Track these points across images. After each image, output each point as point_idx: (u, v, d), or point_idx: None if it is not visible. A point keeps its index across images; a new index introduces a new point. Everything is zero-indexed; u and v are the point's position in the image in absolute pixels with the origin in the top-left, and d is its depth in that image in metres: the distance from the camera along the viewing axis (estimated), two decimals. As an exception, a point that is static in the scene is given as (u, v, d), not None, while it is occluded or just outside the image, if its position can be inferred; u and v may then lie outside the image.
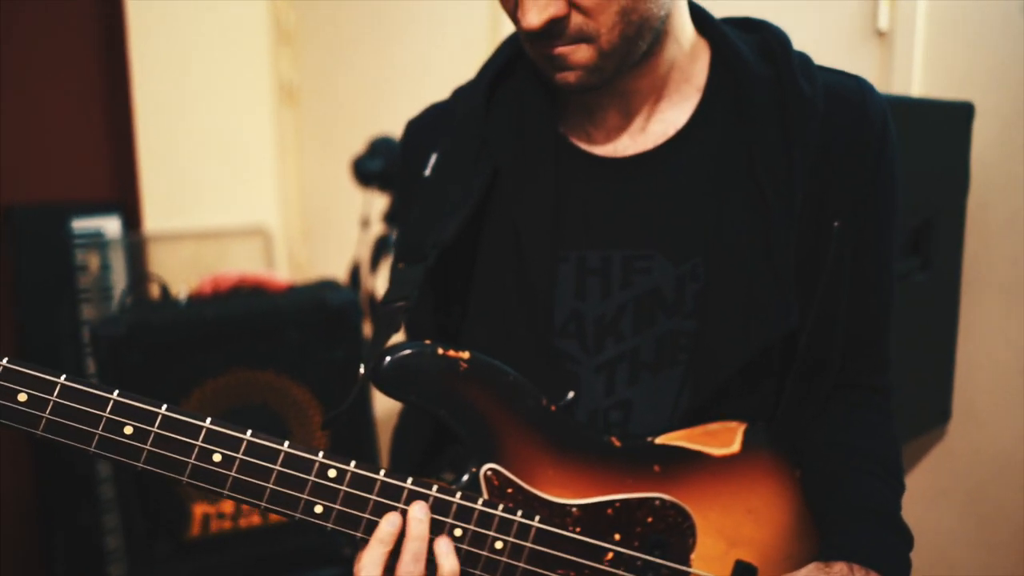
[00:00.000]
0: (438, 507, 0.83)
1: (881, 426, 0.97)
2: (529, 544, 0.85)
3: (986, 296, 1.59)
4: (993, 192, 1.56)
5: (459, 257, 0.95)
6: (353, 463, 0.82)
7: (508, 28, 1.19)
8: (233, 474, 0.79)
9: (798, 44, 1.78)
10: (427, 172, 0.98)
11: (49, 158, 2.50)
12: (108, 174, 2.65)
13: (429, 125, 1.04)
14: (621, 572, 0.86)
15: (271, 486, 0.80)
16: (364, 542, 0.82)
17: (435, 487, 0.84)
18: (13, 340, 2.35)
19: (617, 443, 0.90)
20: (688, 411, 0.90)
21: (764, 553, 0.88)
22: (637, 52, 0.86)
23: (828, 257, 0.88)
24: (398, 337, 0.90)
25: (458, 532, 0.84)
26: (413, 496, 0.83)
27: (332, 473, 0.81)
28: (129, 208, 2.65)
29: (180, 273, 2.70)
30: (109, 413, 0.77)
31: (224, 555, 1.85)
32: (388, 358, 0.85)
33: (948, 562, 1.67)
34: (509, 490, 0.86)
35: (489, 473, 0.86)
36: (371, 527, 0.81)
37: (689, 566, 0.87)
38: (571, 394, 0.92)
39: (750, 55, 0.92)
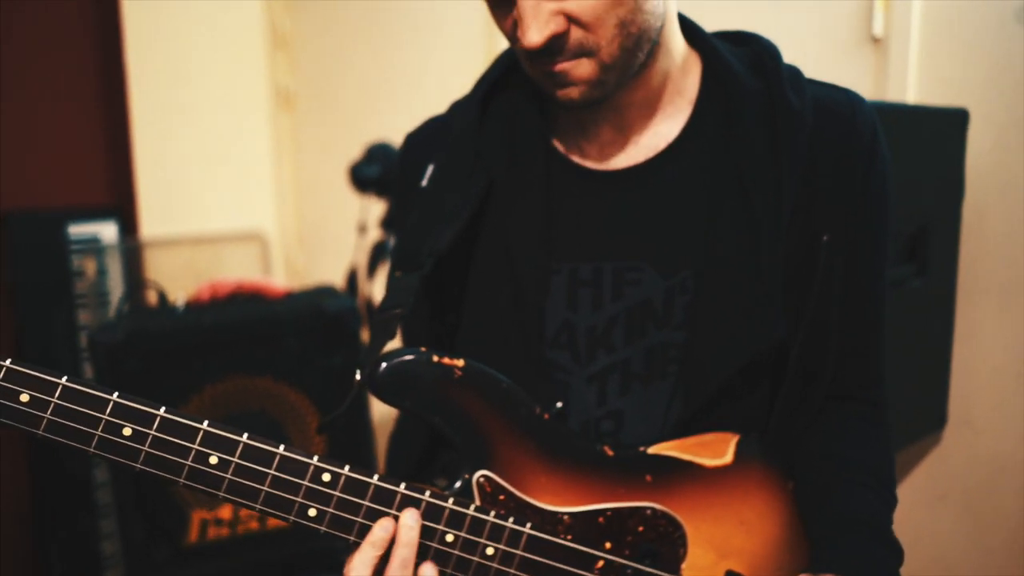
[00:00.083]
0: (430, 512, 0.84)
1: (874, 438, 0.97)
2: (520, 551, 0.85)
3: (982, 302, 1.60)
4: (988, 198, 1.57)
5: (454, 266, 0.96)
6: (347, 467, 0.83)
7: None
8: (229, 476, 0.80)
9: (794, 50, 1.79)
10: (424, 183, 0.99)
11: (46, 164, 2.50)
12: (104, 180, 2.65)
13: (427, 138, 1.05)
14: None
15: (266, 489, 0.81)
16: (357, 546, 0.83)
17: (428, 492, 0.84)
18: (10, 345, 2.35)
19: (609, 452, 0.90)
20: (679, 422, 0.91)
21: (754, 564, 0.89)
22: (636, 63, 0.86)
23: (818, 270, 0.89)
24: (394, 344, 0.90)
25: (450, 537, 0.84)
26: (406, 501, 0.83)
27: (326, 477, 0.82)
28: (125, 213, 2.65)
29: (177, 278, 2.69)
30: (108, 415, 0.78)
31: (222, 561, 1.85)
32: (383, 364, 0.85)
33: (945, 565, 1.68)
34: (501, 497, 0.86)
35: (481, 480, 0.86)
36: (364, 531, 0.82)
37: None
38: (559, 404, 0.92)
39: (740, 68, 0.92)
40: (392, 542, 0.82)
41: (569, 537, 0.87)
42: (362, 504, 0.82)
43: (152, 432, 0.79)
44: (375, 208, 2.30)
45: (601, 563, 0.87)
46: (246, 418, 1.83)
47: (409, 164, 1.04)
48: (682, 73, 0.94)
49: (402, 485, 0.84)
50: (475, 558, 0.85)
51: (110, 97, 2.63)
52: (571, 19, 0.81)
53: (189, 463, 0.79)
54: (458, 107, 1.03)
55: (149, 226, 2.71)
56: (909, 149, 1.40)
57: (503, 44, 0.94)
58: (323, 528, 0.82)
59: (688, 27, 0.96)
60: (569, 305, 0.93)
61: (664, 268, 0.91)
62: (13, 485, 2.37)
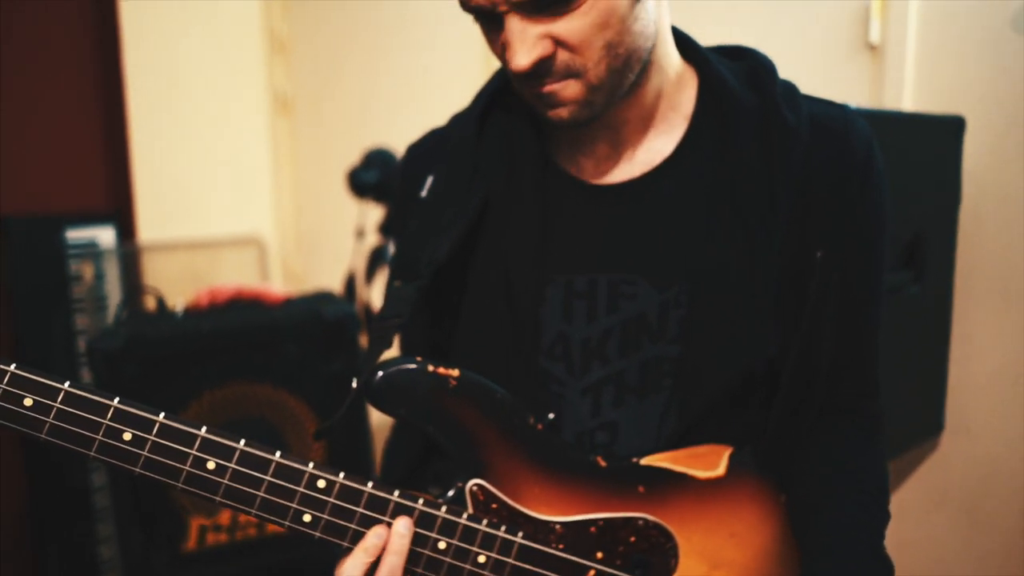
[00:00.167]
0: (423, 520, 0.85)
1: (868, 452, 0.98)
2: (511, 560, 0.86)
3: (978, 308, 1.61)
4: (984, 205, 1.58)
5: (452, 277, 0.97)
6: (342, 475, 0.84)
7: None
8: (226, 482, 0.81)
9: (791, 57, 1.80)
10: (423, 193, 1.00)
11: (44, 169, 2.50)
12: (102, 184, 2.66)
13: (427, 150, 1.06)
14: None
15: (262, 495, 0.82)
16: (350, 551, 0.83)
17: (421, 500, 0.85)
18: (8, 349, 2.35)
19: (602, 463, 0.91)
20: (674, 434, 0.91)
21: None
22: (626, 84, 0.87)
23: (812, 286, 0.90)
24: (391, 353, 0.91)
25: (442, 545, 0.85)
26: (399, 509, 0.84)
27: (321, 484, 0.83)
28: (123, 218, 2.66)
29: (175, 283, 2.70)
30: (109, 420, 0.79)
31: (220, 568, 1.84)
32: (379, 373, 0.86)
33: (943, 569, 1.69)
34: (494, 505, 0.87)
35: (475, 488, 0.87)
36: (357, 537, 0.83)
37: None
38: (551, 415, 0.93)
39: (736, 83, 0.93)
40: (384, 549, 0.83)
41: (561, 546, 0.87)
42: (356, 511, 0.83)
43: (151, 437, 0.80)
44: (373, 213, 2.30)
45: (592, 573, 0.87)
46: (245, 424, 1.82)
47: (409, 175, 1.04)
48: (677, 89, 0.94)
49: (396, 493, 0.85)
50: (467, 566, 0.86)
51: (108, 102, 2.63)
52: (558, 42, 0.82)
53: (187, 468, 0.81)
54: (458, 120, 1.04)
55: (147, 231, 2.72)
56: (906, 156, 1.40)
57: (502, 49, 0.94)
58: (317, 534, 0.83)
59: (683, 41, 0.96)
60: (564, 317, 0.94)
61: (659, 282, 0.92)
62: (10, 489, 2.37)
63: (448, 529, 0.85)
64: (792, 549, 0.92)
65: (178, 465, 0.80)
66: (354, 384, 0.88)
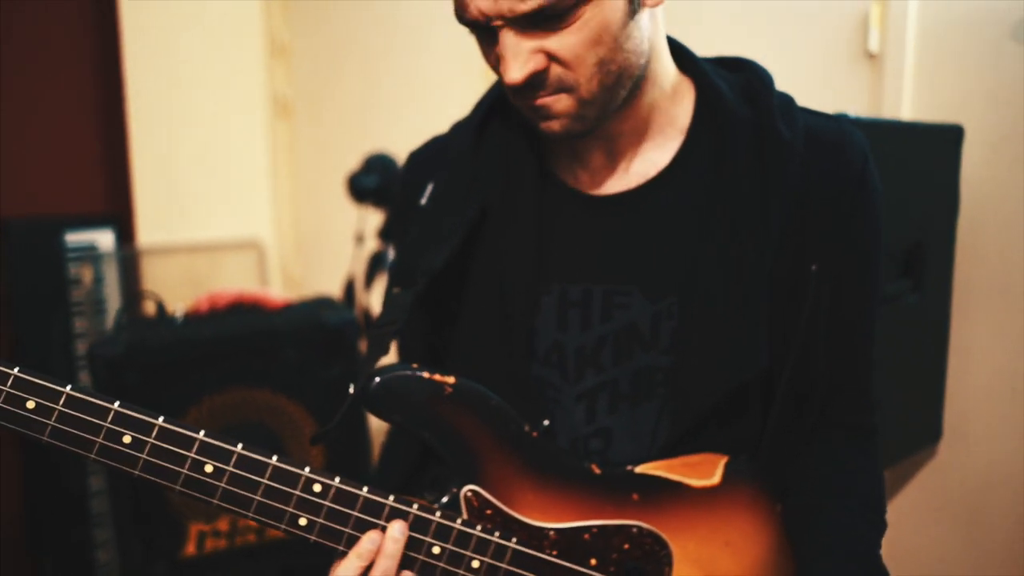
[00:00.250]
0: (418, 525, 0.86)
1: (864, 464, 0.98)
2: (505, 565, 0.87)
3: (977, 316, 1.61)
4: (983, 214, 1.58)
5: (450, 284, 0.98)
6: (337, 479, 0.85)
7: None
8: (223, 485, 0.82)
9: (790, 65, 1.81)
10: (423, 201, 1.01)
11: (43, 171, 2.50)
12: (102, 187, 2.66)
13: (428, 157, 1.07)
14: None
15: (258, 498, 0.83)
16: (345, 555, 0.84)
17: (415, 505, 0.86)
18: (7, 352, 2.35)
19: (597, 470, 0.92)
20: (667, 443, 0.92)
21: None
22: (618, 99, 0.88)
23: (806, 299, 0.90)
24: (388, 359, 0.92)
25: (436, 550, 0.86)
26: (394, 513, 0.85)
27: (317, 488, 0.84)
28: (123, 221, 2.66)
29: (173, 287, 2.70)
30: (109, 423, 0.80)
31: (219, 574, 1.85)
32: (376, 379, 0.87)
33: (940, 577, 1.70)
34: (488, 511, 0.88)
35: (469, 494, 0.88)
36: (352, 541, 0.84)
37: None
38: (546, 422, 0.94)
39: (731, 96, 0.94)
40: (378, 553, 0.84)
41: (554, 553, 0.88)
42: (351, 515, 0.84)
43: (151, 440, 0.81)
44: (373, 218, 2.30)
45: None
46: (245, 430, 1.83)
47: (410, 182, 1.06)
48: (672, 102, 0.95)
49: (391, 497, 0.85)
50: (461, 571, 0.87)
51: (108, 105, 2.63)
52: (551, 57, 0.83)
53: (185, 471, 0.82)
54: (458, 129, 1.05)
55: (146, 234, 2.72)
56: (904, 165, 1.41)
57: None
58: (313, 537, 0.84)
59: (680, 53, 0.97)
60: (559, 325, 0.95)
61: (651, 293, 0.93)
62: (8, 493, 2.37)
63: (442, 534, 0.86)
64: (787, 558, 0.93)
65: (176, 468, 0.82)
66: (351, 390, 0.89)
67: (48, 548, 2.39)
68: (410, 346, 1.08)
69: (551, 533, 0.88)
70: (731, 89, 0.94)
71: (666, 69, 0.94)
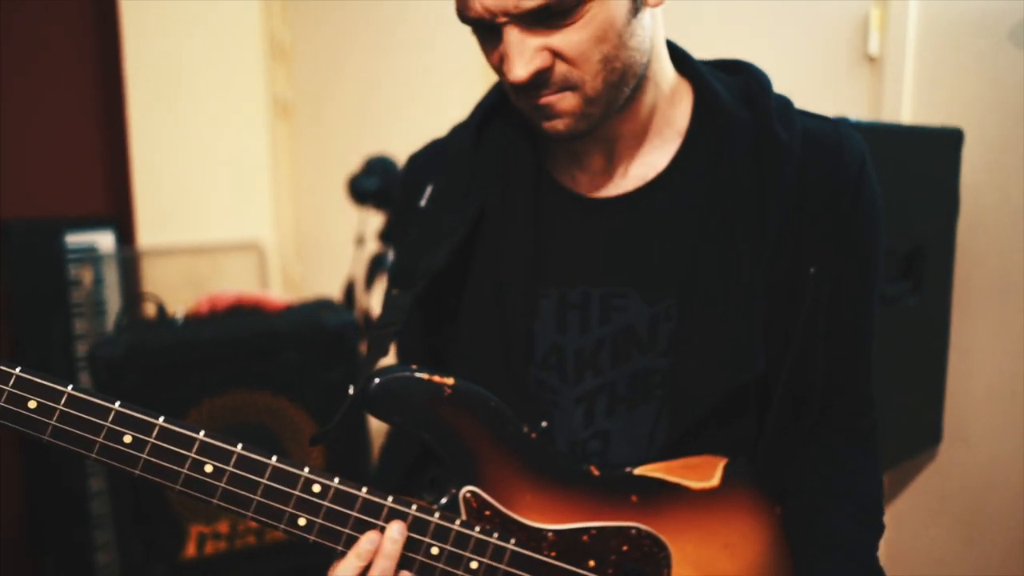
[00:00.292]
0: (416, 526, 0.86)
1: (863, 465, 0.98)
2: (503, 566, 0.87)
3: (976, 319, 1.61)
4: (983, 217, 1.59)
5: (450, 285, 0.98)
6: (336, 479, 0.85)
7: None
8: (223, 485, 0.83)
9: (790, 69, 1.81)
10: (422, 203, 1.01)
11: (43, 173, 2.50)
12: (102, 189, 2.66)
13: (428, 160, 1.07)
14: None
15: (258, 498, 0.83)
16: (344, 555, 0.84)
17: (414, 506, 0.86)
18: (7, 353, 2.35)
19: (596, 472, 0.92)
20: (665, 445, 0.92)
21: None
22: (622, 98, 0.88)
23: (805, 301, 0.90)
24: (388, 360, 0.92)
25: (435, 551, 0.86)
26: (393, 514, 0.85)
27: (316, 488, 0.84)
28: (123, 223, 2.66)
29: (174, 288, 2.70)
30: (110, 423, 0.81)
31: None
32: (376, 380, 0.87)
33: (940, 579, 1.70)
34: (487, 512, 0.88)
35: (468, 495, 0.88)
36: (351, 541, 0.84)
37: None
38: (544, 424, 0.94)
39: (729, 98, 0.94)
40: (376, 553, 0.84)
41: (553, 554, 0.88)
42: (350, 515, 0.84)
43: (151, 440, 0.81)
44: (373, 220, 2.30)
45: None
46: (245, 432, 1.83)
47: (410, 184, 1.06)
48: (671, 104, 0.95)
49: (390, 498, 0.86)
50: (459, 571, 0.87)
51: (108, 106, 2.63)
52: (556, 54, 0.82)
53: (185, 471, 0.82)
54: (456, 131, 1.05)
55: (146, 236, 2.72)
56: (904, 169, 1.41)
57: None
58: (312, 537, 0.84)
59: (679, 56, 0.97)
60: (558, 328, 0.95)
61: (649, 295, 0.93)
62: (9, 494, 2.37)
63: (441, 535, 0.86)
64: (786, 560, 0.93)
65: (176, 468, 0.82)
66: (351, 391, 0.89)
67: (49, 549, 2.39)
68: (409, 347, 1.08)
69: (549, 534, 0.88)
70: (729, 91, 0.94)
71: (665, 71, 0.94)
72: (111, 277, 2.55)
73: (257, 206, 3.08)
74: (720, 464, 0.93)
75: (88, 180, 2.63)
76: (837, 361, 0.95)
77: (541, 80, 0.83)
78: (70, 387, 0.80)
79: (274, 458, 0.84)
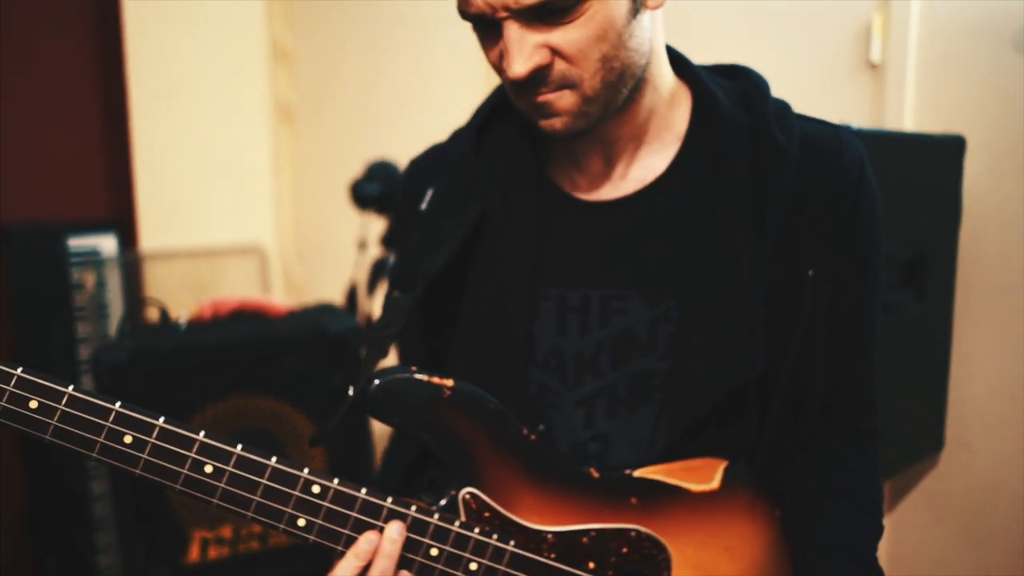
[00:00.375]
0: (416, 527, 0.86)
1: (863, 465, 0.99)
2: (503, 567, 0.87)
3: (979, 326, 1.61)
4: (985, 225, 1.59)
5: (450, 288, 0.99)
6: (336, 480, 0.85)
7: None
8: (222, 485, 0.83)
9: (792, 75, 1.81)
10: (423, 206, 1.01)
11: (46, 177, 2.51)
12: (104, 193, 2.66)
13: (428, 164, 1.08)
14: None
15: (257, 499, 0.84)
16: (343, 555, 0.85)
17: (414, 507, 0.87)
18: (9, 356, 2.35)
19: (595, 474, 0.92)
20: (665, 447, 0.92)
21: None
22: (620, 98, 0.88)
23: (804, 303, 0.91)
24: (388, 362, 0.92)
25: (434, 552, 0.87)
26: (392, 515, 0.86)
27: (316, 489, 0.84)
28: (125, 226, 2.66)
29: (176, 292, 2.70)
30: (111, 423, 0.81)
31: (222, 581, 1.85)
32: (375, 382, 0.88)
33: (941, 586, 1.70)
34: (486, 514, 0.88)
35: (467, 496, 0.88)
36: (351, 542, 0.85)
37: None
38: (541, 426, 0.94)
39: (728, 102, 0.94)
40: (376, 553, 0.84)
41: (552, 556, 0.88)
42: (350, 516, 0.85)
43: (152, 440, 0.82)
44: (375, 225, 2.31)
45: None
46: (248, 437, 1.79)
47: (411, 188, 1.06)
48: (670, 108, 0.96)
49: (389, 499, 0.86)
50: (458, 572, 0.87)
51: (111, 110, 2.64)
52: (555, 52, 0.83)
53: (185, 471, 0.82)
54: (457, 136, 1.05)
55: (149, 239, 2.72)
56: (906, 176, 1.41)
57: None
58: (312, 538, 0.85)
59: (677, 60, 0.98)
60: (558, 330, 0.95)
61: (649, 298, 0.93)
62: (10, 496, 2.37)
63: (440, 536, 0.87)
64: (786, 563, 0.93)
65: (176, 468, 0.82)
66: (350, 392, 0.89)
67: (50, 551, 2.39)
68: (410, 350, 1.08)
69: (549, 536, 0.89)
70: (728, 96, 0.95)
71: (664, 74, 0.94)
72: (113, 280, 2.55)
73: (259, 209, 3.08)
74: (720, 467, 0.93)
75: (90, 183, 2.63)
76: (837, 362, 0.95)
77: (540, 77, 0.84)
78: (71, 387, 0.80)
79: (273, 459, 0.84)
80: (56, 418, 0.80)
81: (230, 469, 0.83)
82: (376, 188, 2.16)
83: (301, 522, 0.84)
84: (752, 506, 0.94)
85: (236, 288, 2.92)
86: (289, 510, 0.84)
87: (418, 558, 0.86)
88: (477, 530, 0.87)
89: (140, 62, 2.66)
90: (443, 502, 0.89)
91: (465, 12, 0.84)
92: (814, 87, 1.77)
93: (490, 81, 0.93)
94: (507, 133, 1.00)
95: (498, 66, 0.87)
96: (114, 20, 2.59)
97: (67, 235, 2.47)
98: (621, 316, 0.94)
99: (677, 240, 0.93)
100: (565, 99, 0.85)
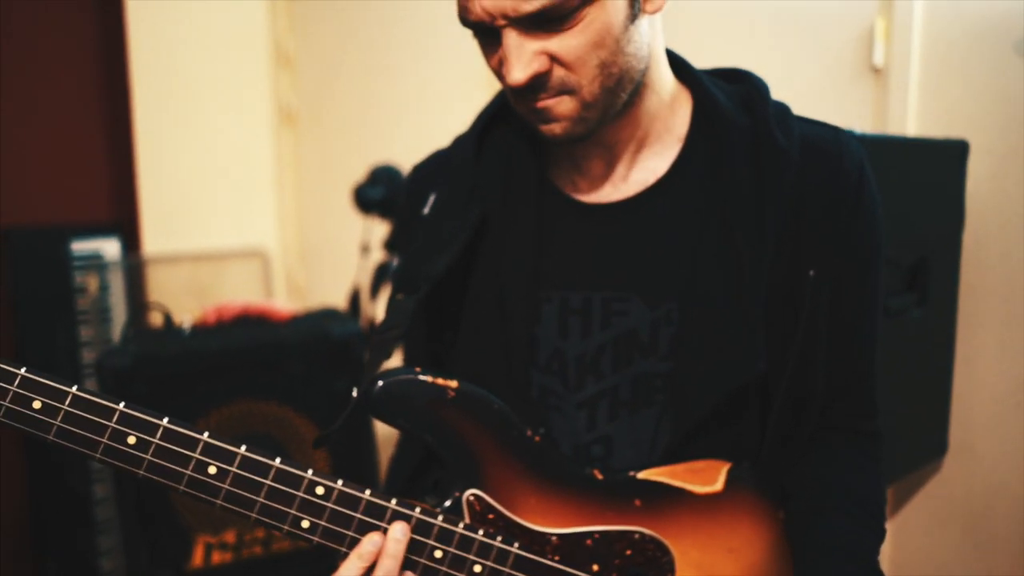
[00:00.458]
0: (420, 528, 0.86)
1: (864, 467, 0.99)
2: (507, 569, 0.87)
3: (982, 331, 1.61)
4: (988, 228, 1.59)
5: (451, 291, 0.99)
6: (340, 482, 0.85)
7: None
8: (226, 487, 0.82)
9: (794, 79, 1.81)
10: (426, 211, 1.02)
11: (49, 180, 2.51)
12: (107, 196, 2.67)
13: (431, 170, 1.08)
14: None
15: (261, 500, 0.83)
16: (347, 557, 0.85)
17: (418, 509, 0.86)
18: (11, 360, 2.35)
19: (599, 476, 0.92)
20: (667, 449, 0.93)
21: None
22: (618, 103, 0.89)
23: (804, 305, 0.91)
24: (391, 364, 0.93)
25: (438, 553, 0.86)
26: (396, 516, 0.85)
27: (320, 490, 0.84)
28: (128, 230, 2.67)
29: (179, 295, 2.71)
30: (115, 423, 0.81)
31: (226, 585, 1.85)
32: (379, 383, 0.87)
33: (945, 591, 1.70)
34: (490, 516, 0.88)
35: (471, 498, 0.88)
36: (355, 543, 0.84)
37: None
38: (541, 429, 0.94)
39: (729, 105, 0.95)
40: (380, 554, 0.84)
41: (556, 558, 0.88)
42: (354, 517, 0.85)
43: (155, 441, 0.81)
44: (378, 229, 2.31)
45: None
46: (251, 442, 1.78)
47: (414, 193, 1.07)
48: (671, 111, 0.96)
49: (393, 501, 0.86)
50: (462, 575, 0.87)
51: (114, 113, 2.64)
52: (553, 59, 0.84)
53: (189, 472, 0.82)
54: (459, 141, 1.06)
55: (151, 243, 2.72)
56: (909, 180, 1.41)
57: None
58: (316, 539, 0.85)
59: (678, 64, 0.98)
60: (560, 333, 0.96)
61: (650, 300, 0.93)
62: (12, 498, 2.37)
63: (445, 538, 0.87)
64: (789, 566, 0.93)
65: (180, 469, 0.82)
66: (354, 393, 0.89)
67: (51, 554, 2.40)
68: (413, 353, 1.09)
69: (553, 538, 0.89)
70: (728, 98, 0.95)
71: (664, 77, 0.95)
72: (116, 284, 2.56)
73: (262, 213, 3.09)
74: (724, 468, 0.93)
75: (93, 187, 2.64)
76: (838, 363, 0.95)
77: (539, 84, 0.84)
78: (74, 388, 0.80)
79: (278, 460, 0.84)
80: (60, 418, 0.79)
81: (234, 470, 0.82)
82: (379, 192, 2.17)
83: (305, 524, 0.84)
84: (755, 508, 0.94)
85: (238, 292, 2.92)
86: (293, 511, 0.84)
87: (422, 560, 0.86)
88: (481, 532, 0.87)
89: (143, 66, 2.66)
90: (447, 504, 0.89)
91: (465, 20, 0.84)
92: (817, 91, 1.77)
93: (492, 84, 0.94)
94: (508, 137, 1.00)
95: (498, 72, 0.88)
96: (117, 23, 2.60)
97: (70, 238, 2.48)
98: (622, 318, 0.94)
99: (678, 242, 0.93)
100: (564, 105, 0.86)
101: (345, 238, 2.67)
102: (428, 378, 0.88)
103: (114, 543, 2.40)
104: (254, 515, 0.83)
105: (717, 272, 0.91)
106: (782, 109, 0.95)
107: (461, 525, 0.87)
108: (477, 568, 0.87)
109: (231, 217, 3.00)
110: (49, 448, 0.81)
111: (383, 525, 0.85)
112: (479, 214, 0.96)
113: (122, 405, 0.81)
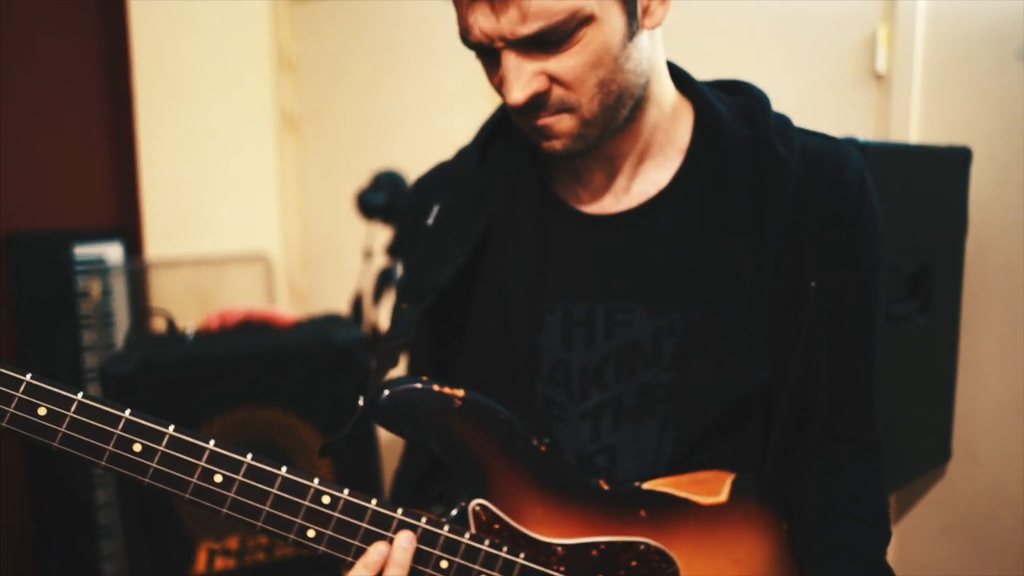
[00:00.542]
0: (426, 538, 0.86)
1: (866, 476, 0.99)
2: None
3: (985, 338, 1.61)
4: (991, 236, 1.59)
5: (456, 300, 0.99)
6: (346, 491, 0.85)
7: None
8: (232, 495, 0.82)
9: (797, 86, 1.81)
10: (429, 222, 1.02)
11: (51, 185, 2.51)
12: (110, 201, 2.67)
13: (434, 182, 1.09)
14: None
15: (267, 509, 0.83)
16: (352, 567, 0.85)
17: (424, 518, 0.86)
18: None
19: (605, 486, 0.92)
20: (671, 459, 0.93)
21: None
22: (619, 119, 0.89)
23: (806, 316, 0.91)
24: (397, 372, 0.92)
25: (444, 564, 0.86)
26: (402, 526, 0.85)
27: (326, 499, 0.84)
28: (131, 235, 2.67)
29: (181, 300, 2.71)
30: (120, 430, 0.80)
31: (229, 591, 1.85)
32: (385, 392, 0.87)
33: (948, 597, 1.69)
34: (496, 526, 0.88)
35: (477, 508, 0.88)
36: (361, 553, 0.84)
37: None
38: (546, 440, 0.94)
39: (730, 117, 0.95)
40: (386, 563, 0.84)
41: (562, 569, 0.88)
42: (360, 526, 0.84)
43: (161, 448, 0.81)
44: (381, 234, 2.31)
45: None
46: (255, 448, 1.79)
47: (417, 205, 1.07)
48: (672, 123, 0.96)
49: (399, 510, 0.86)
50: None
51: (117, 118, 2.65)
52: (552, 79, 0.84)
53: (195, 480, 0.81)
54: (462, 153, 1.07)
55: (154, 247, 2.72)
56: (912, 187, 1.42)
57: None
58: (321, 548, 0.84)
59: (679, 76, 0.99)
60: (564, 344, 0.96)
61: (653, 310, 0.94)
62: (14, 503, 2.37)
63: (450, 548, 0.86)
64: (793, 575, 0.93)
65: (186, 477, 0.81)
66: (360, 402, 0.89)
67: (53, 559, 2.40)
68: (418, 361, 1.09)
69: (559, 549, 0.89)
70: (729, 110, 0.96)
71: (666, 90, 0.95)
72: (119, 289, 2.56)
73: (264, 218, 3.09)
74: (728, 479, 0.94)
75: (96, 192, 2.64)
76: (839, 374, 0.96)
77: (538, 103, 0.85)
78: (80, 394, 0.79)
79: (284, 469, 0.83)
80: (65, 425, 0.79)
81: (240, 479, 0.82)
82: (382, 198, 2.17)
83: (311, 533, 0.84)
84: (760, 519, 0.94)
85: (240, 297, 2.93)
86: (299, 521, 0.83)
87: (427, 570, 0.86)
88: (487, 542, 0.87)
89: (146, 70, 2.67)
90: (453, 513, 0.89)
91: (466, 40, 0.85)
92: (819, 98, 1.78)
93: (494, 92, 0.94)
94: (510, 149, 1.01)
95: (500, 90, 0.88)
96: (120, 28, 2.60)
97: (72, 243, 2.48)
98: (626, 329, 0.94)
99: (680, 253, 0.94)
100: (564, 122, 0.87)
101: (348, 243, 2.67)
102: (435, 387, 0.88)
103: (116, 548, 2.40)
104: (260, 524, 0.83)
105: (719, 283, 0.91)
106: (783, 121, 0.96)
107: (467, 535, 0.87)
108: None
109: (234, 222, 3.01)
110: (52, 453, 0.80)
111: (389, 535, 0.85)
112: (482, 225, 0.97)
113: (128, 412, 0.81)
